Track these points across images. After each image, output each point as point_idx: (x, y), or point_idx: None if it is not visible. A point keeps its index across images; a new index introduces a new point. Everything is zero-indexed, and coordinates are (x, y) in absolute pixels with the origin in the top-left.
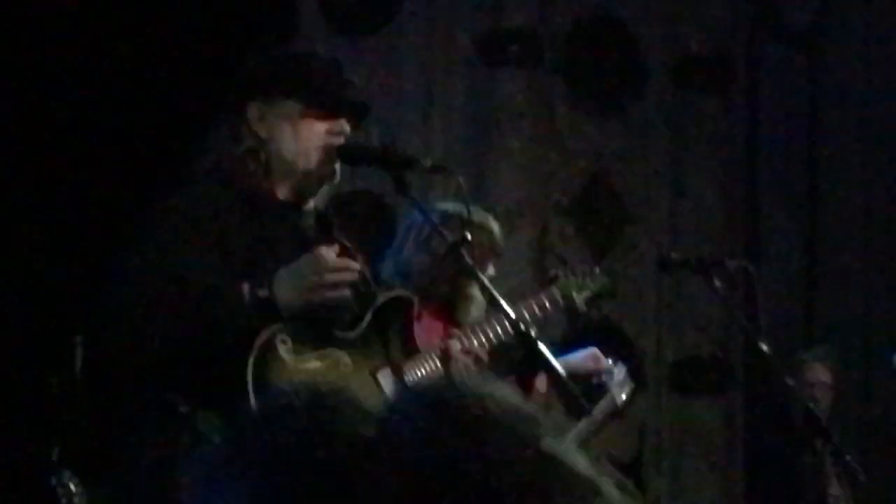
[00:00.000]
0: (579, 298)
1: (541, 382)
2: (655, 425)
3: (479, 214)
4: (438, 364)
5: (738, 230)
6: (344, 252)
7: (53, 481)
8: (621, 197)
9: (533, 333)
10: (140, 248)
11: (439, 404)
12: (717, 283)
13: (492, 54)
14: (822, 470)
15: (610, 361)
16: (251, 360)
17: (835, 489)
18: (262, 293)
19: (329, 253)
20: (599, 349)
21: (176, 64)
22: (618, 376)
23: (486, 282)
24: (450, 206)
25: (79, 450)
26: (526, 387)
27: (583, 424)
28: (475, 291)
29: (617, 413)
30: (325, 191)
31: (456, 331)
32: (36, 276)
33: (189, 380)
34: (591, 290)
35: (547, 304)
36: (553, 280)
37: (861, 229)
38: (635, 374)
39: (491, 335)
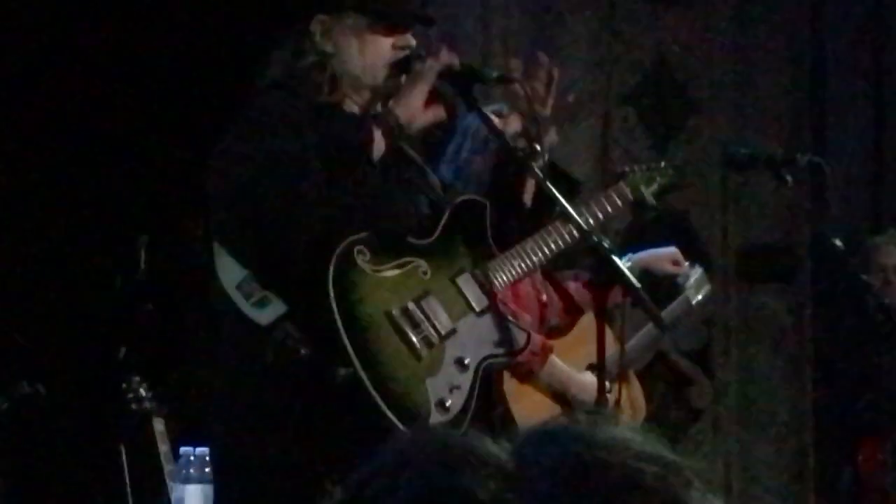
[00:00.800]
0: (648, 192)
1: (614, 295)
2: (723, 314)
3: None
4: (521, 264)
5: (803, 118)
6: (410, 165)
7: (123, 386)
8: (684, 85)
9: (607, 245)
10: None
11: (576, 464)
12: (788, 179)
13: None
14: None
15: (687, 263)
16: (330, 272)
17: None
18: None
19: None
20: (665, 239)
21: None
22: (695, 277)
23: (554, 191)
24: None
25: (146, 351)
26: (600, 298)
27: (652, 327)
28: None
29: (690, 313)
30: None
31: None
32: (100, 178)
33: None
34: (659, 183)
35: (617, 201)
36: (621, 175)
37: None
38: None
39: (564, 238)
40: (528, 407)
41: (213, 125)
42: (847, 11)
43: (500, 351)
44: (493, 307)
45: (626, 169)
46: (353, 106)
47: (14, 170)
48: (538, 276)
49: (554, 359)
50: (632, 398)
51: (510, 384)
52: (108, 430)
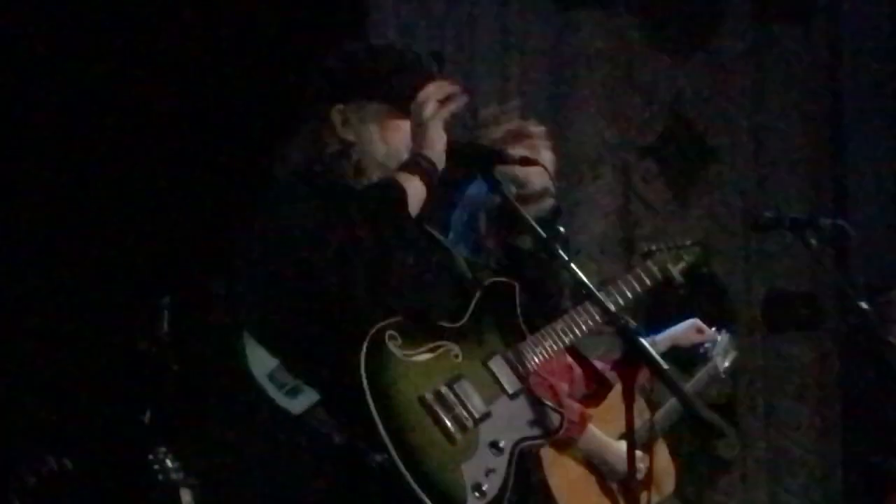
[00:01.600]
0: (675, 271)
1: (642, 376)
2: (748, 364)
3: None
4: (552, 346)
5: (823, 165)
6: (436, 244)
7: (149, 457)
8: (703, 135)
9: (633, 326)
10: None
11: None
12: (813, 242)
13: None
14: None
15: (713, 329)
16: (363, 358)
17: None
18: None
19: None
20: (691, 296)
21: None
22: (721, 343)
23: (580, 274)
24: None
25: (171, 414)
26: (627, 379)
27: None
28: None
29: (718, 380)
30: None
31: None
32: (122, 239)
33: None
34: (686, 261)
35: (646, 280)
36: (648, 255)
37: None
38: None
39: (595, 318)
40: (564, 476)
41: (238, 192)
42: (866, 60)
43: (535, 433)
44: (527, 389)
45: (653, 248)
46: None
47: (38, 230)
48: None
49: (592, 427)
50: (661, 468)
51: (546, 453)
52: (137, 503)
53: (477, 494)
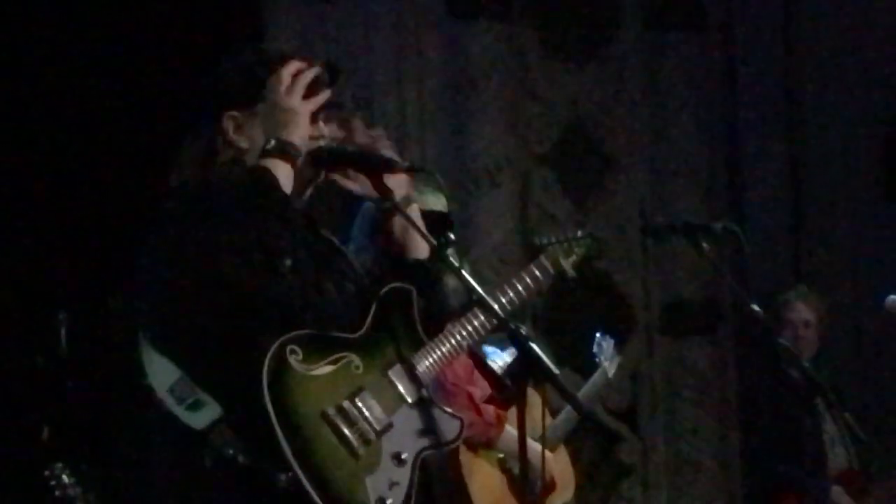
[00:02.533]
0: (567, 264)
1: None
2: (648, 370)
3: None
4: (450, 352)
5: (720, 172)
6: (335, 251)
7: (46, 473)
8: (600, 143)
9: (522, 331)
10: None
11: None
12: (705, 246)
13: (462, 8)
14: (821, 427)
15: (598, 334)
16: (264, 375)
17: (836, 447)
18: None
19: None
20: (588, 297)
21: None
22: (607, 350)
23: (473, 282)
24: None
25: (69, 430)
26: (520, 383)
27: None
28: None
29: (609, 384)
30: (308, 193)
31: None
32: (19, 255)
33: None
34: (577, 253)
35: (539, 276)
36: (540, 249)
37: (844, 169)
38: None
39: (491, 321)
40: (480, 481)
41: (135, 205)
42: (760, 66)
43: (436, 441)
44: (426, 397)
45: (545, 241)
46: None
47: None
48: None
49: (509, 428)
50: (561, 470)
51: (464, 457)
52: None
53: None
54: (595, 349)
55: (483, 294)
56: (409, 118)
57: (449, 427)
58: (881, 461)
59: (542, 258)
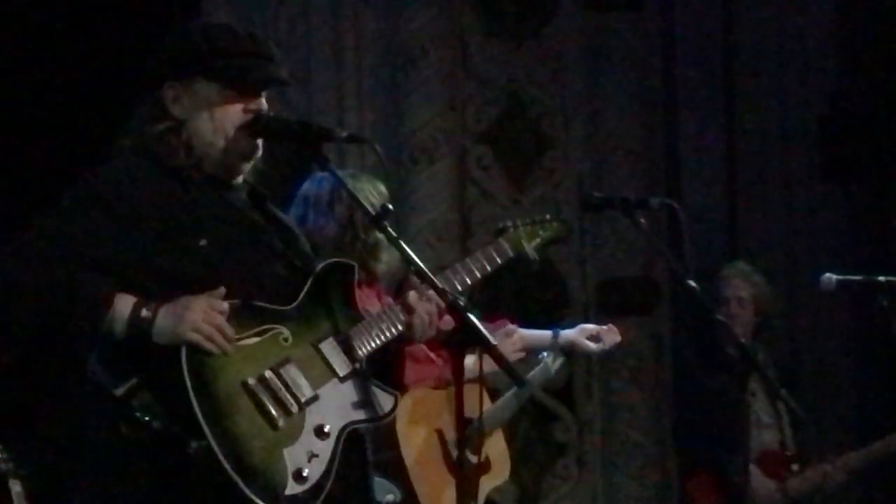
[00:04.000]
0: (530, 247)
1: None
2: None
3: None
4: (389, 328)
5: (658, 151)
6: (279, 224)
7: None
8: (538, 122)
9: (462, 302)
10: (44, 217)
11: None
12: (642, 221)
13: None
14: (749, 406)
15: (545, 331)
16: (183, 347)
17: (765, 427)
18: (146, 313)
19: (221, 304)
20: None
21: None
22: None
23: (412, 255)
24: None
25: (2, 406)
26: (457, 357)
27: (518, 390)
28: (386, 252)
29: (549, 379)
30: (252, 165)
31: (415, 281)
32: None
33: (117, 363)
34: (542, 236)
35: (496, 258)
36: (501, 232)
37: (780, 148)
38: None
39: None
40: (417, 450)
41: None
42: (698, 47)
43: (365, 416)
44: (360, 371)
45: (508, 224)
46: (209, 170)
47: None
48: None
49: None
50: (498, 454)
51: (401, 426)
52: None
53: (298, 480)
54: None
55: (421, 265)
56: (346, 94)
57: (382, 402)
58: (814, 441)
59: (501, 240)
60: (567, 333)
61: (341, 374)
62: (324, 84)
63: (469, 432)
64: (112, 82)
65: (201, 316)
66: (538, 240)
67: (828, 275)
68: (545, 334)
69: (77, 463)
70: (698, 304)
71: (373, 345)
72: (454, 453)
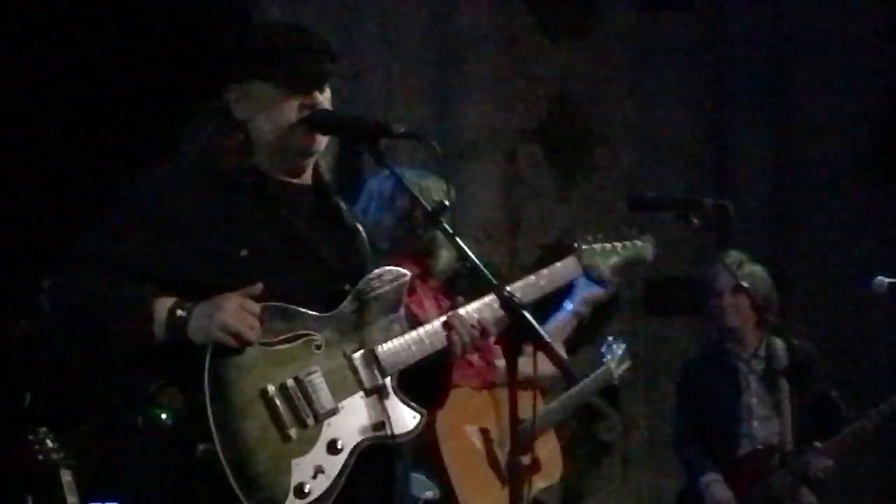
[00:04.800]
0: (605, 266)
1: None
2: (631, 348)
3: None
4: (429, 345)
5: (706, 149)
6: (338, 222)
7: (30, 437)
8: (587, 119)
9: (517, 300)
10: (87, 236)
11: None
12: (695, 221)
13: None
14: (739, 401)
15: (611, 337)
16: (211, 345)
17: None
18: (181, 312)
19: (253, 305)
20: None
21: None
22: (617, 351)
23: (468, 251)
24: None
25: (51, 397)
26: (511, 354)
27: (574, 392)
28: (444, 247)
29: (612, 387)
30: (324, 162)
31: (460, 299)
32: (1, 222)
33: (149, 360)
34: (621, 256)
35: (562, 277)
36: (571, 250)
37: (830, 148)
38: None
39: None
40: (457, 447)
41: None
42: (749, 46)
43: (384, 433)
44: (387, 387)
45: (579, 242)
46: (272, 170)
47: None
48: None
49: (501, 364)
50: (548, 451)
51: (443, 421)
52: (16, 482)
53: (298, 495)
54: (604, 349)
55: (476, 261)
56: (396, 91)
57: (406, 420)
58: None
59: (573, 258)
60: (576, 301)
61: (368, 388)
62: (374, 80)
63: (520, 432)
64: (168, 85)
65: (231, 316)
66: (616, 259)
67: (880, 278)
68: (564, 317)
69: (117, 455)
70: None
71: (408, 361)
72: (499, 452)
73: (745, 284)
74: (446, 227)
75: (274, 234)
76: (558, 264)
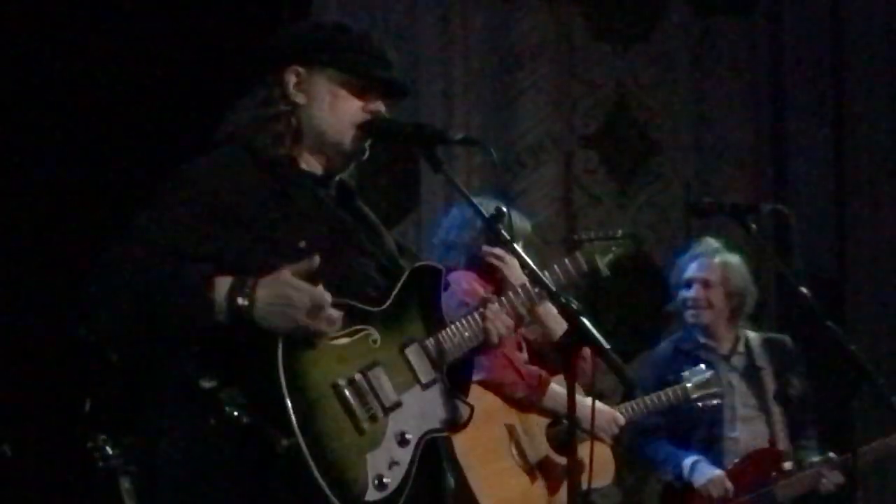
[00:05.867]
0: (603, 263)
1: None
2: None
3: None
4: (472, 337)
5: (764, 157)
6: (365, 222)
7: (89, 444)
8: (645, 126)
9: (575, 305)
10: (141, 214)
11: None
12: (753, 227)
13: None
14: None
15: (701, 365)
16: (280, 339)
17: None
18: (242, 301)
19: (324, 295)
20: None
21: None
22: (700, 376)
23: (526, 257)
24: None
25: (111, 403)
26: (571, 359)
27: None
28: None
29: (682, 403)
30: (352, 167)
31: (493, 296)
32: (64, 226)
33: (207, 356)
34: (615, 252)
35: (572, 271)
36: (577, 244)
37: (889, 153)
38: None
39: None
40: (472, 440)
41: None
42: (807, 54)
43: (443, 425)
44: (440, 380)
45: (583, 237)
46: (309, 164)
47: None
48: None
49: (554, 387)
50: (600, 457)
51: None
52: (76, 489)
53: (378, 487)
54: (686, 373)
55: (534, 267)
56: (454, 98)
57: (459, 413)
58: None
59: (578, 254)
60: None
61: (424, 381)
62: (432, 87)
63: (558, 431)
64: (220, 82)
65: (303, 315)
66: (611, 256)
67: None
68: None
69: (165, 455)
70: (809, 311)
71: (456, 353)
72: (528, 447)
73: (718, 276)
74: (503, 233)
75: (324, 226)
76: (566, 261)
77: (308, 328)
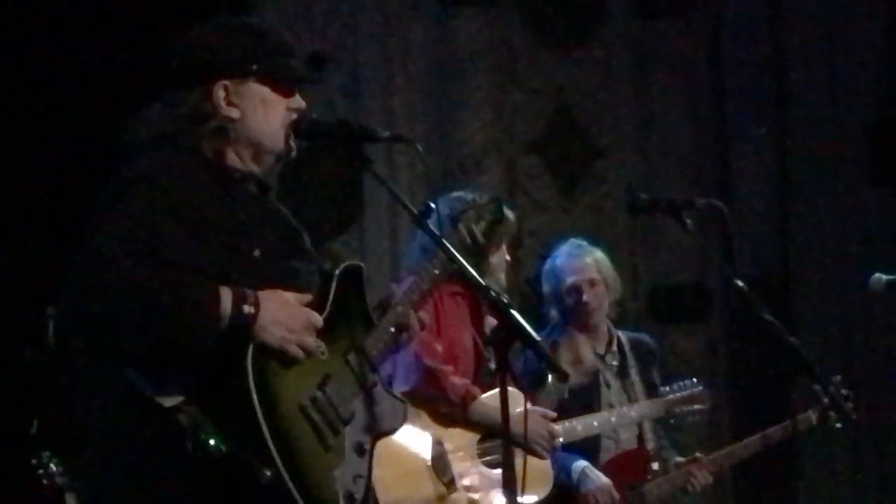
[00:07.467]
0: (478, 231)
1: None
2: None
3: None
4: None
5: (707, 158)
6: (286, 220)
7: (34, 462)
8: (587, 130)
9: (504, 299)
10: (109, 217)
11: None
12: (689, 222)
13: None
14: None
15: (692, 379)
16: (249, 363)
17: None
18: (249, 309)
19: (319, 318)
20: None
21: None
22: (688, 389)
23: (455, 253)
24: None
25: (58, 424)
26: (500, 353)
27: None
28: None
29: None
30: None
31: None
32: (7, 249)
33: (161, 371)
34: (486, 219)
35: (458, 244)
36: (456, 220)
37: (830, 151)
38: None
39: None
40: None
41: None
42: (747, 54)
43: (388, 426)
44: (377, 381)
45: (460, 209)
46: (234, 162)
47: None
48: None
49: (481, 400)
50: (540, 467)
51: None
52: None
53: (349, 502)
54: (681, 383)
55: (465, 264)
56: (395, 105)
57: (397, 411)
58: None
59: (460, 227)
60: None
61: (367, 385)
62: (373, 95)
63: (489, 448)
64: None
65: (303, 333)
66: (483, 223)
67: (877, 275)
68: None
69: (114, 474)
70: (748, 306)
71: (383, 349)
72: (454, 460)
73: (601, 274)
74: (431, 229)
75: (271, 232)
76: (453, 234)
77: (302, 346)
